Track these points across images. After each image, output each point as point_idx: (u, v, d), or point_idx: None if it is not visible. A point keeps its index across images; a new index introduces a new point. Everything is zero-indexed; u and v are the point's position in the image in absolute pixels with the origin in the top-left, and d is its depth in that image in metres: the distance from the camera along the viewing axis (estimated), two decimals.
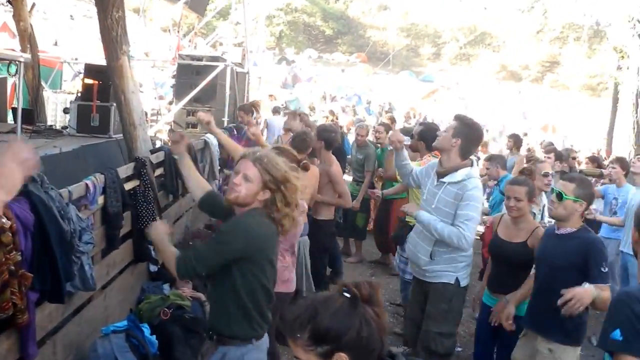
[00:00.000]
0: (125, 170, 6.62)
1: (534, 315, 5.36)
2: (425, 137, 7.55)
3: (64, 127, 11.06)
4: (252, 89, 20.16)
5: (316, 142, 8.16)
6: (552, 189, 5.20)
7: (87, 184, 5.53)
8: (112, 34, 8.31)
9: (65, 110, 11.32)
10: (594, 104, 56.90)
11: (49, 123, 12.85)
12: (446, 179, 5.69)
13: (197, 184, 4.71)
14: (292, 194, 4.03)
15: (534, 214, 7.41)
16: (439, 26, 74.80)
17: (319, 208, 8.12)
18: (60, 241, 4.51)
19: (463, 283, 5.85)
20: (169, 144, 4.77)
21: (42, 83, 13.96)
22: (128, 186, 6.68)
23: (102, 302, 6.16)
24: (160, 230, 4.17)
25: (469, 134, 5.71)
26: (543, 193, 7.66)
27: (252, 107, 10.92)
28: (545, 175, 7.58)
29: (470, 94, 53.88)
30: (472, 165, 5.73)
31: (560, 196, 4.98)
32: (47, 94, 14.87)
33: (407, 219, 7.48)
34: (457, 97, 51.14)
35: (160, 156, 8.10)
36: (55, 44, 32.27)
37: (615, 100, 28.67)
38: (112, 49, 8.36)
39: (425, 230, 5.74)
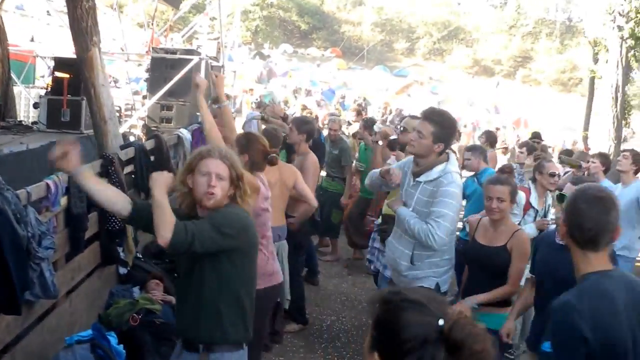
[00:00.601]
0: (90, 168, 6.15)
1: (539, 335, 4.82)
2: None
3: (34, 123, 10.54)
4: (227, 84, 19.68)
5: (296, 135, 7.75)
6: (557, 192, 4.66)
7: (48, 184, 5.08)
8: (82, 24, 7.90)
9: (35, 105, 10.81)
10: (565, 100, 57.07)
11: (21, 119, 12.30)
12: (422, 178, 5.29)
13: (113, 196, 3.84)
14: (248, 187, 3.93)
15: (537, 211, 7.08)
16: (413, 21, 74.71)
17: (294, 205, 7.64)
18: (15, 248, 4.09)
19: (443, 288, 5.44)
20: (56, 161, 3.63)
21: (14, 77, 13.47)
22: None
23: (68, 308, 5.71)
24: (162, 181, 3.70)
25: (448, 137, 5.31)
26: (548, 192, 7.31)
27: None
28: (552, 175, 7.17)
29: (443, 89, 53.82)
30: (448, 159, 5.31)
31: (561, 198, 4.47)
32: (19, 89, 14.31)
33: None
34: (430, 92, 51.02)
35: (130, 152, 7.64)
36: (32, 39, 31.69)
37: (591, 95, 28.46)
38: (82, 41, 7.93)
39: (400, 225, 5.39)
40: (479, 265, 5.44)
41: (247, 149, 5.62)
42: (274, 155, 5.94)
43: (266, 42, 64.70)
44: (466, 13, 74.64)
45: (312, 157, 7.87)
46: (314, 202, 7.16)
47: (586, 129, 27.40)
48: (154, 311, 6.20)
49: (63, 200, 5.37)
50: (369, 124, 10.65)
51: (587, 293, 2.95)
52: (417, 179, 5.32)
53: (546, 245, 4.82)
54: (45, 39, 30.66)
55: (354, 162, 10.94)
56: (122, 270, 7.08)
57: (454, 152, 7.13)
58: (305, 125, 7.95)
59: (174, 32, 25.39)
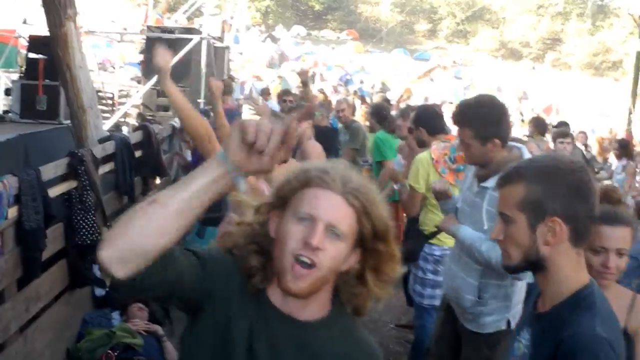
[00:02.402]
0: (53, 169, 5.19)
1: None
2: (424, 122, 6.28)
3: (6, 112, 9.61)
4: (234, 68, 18.80)
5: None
6: None
7: None
8: None
9: (7, 92, 9.84)
10: (597, 84, 56.14)
11: (2, 109, 11.40)
12: (489, 183, 4.18)
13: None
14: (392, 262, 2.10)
15: None
16: (434, 1, 73.65)
17: None
18: None
19: (513, 324, 4.28)
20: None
21: None
22: (59, 190, 5.28)
23: (22, 348, 4.76)
24: None
25: (495, 125, 4.22)
26: None
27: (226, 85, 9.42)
28: None
29: (468, 73, 52.86)
30: (521, 156, 4.22)
31: None
32: None
33: (422, 227, 6.05)
34: (454, 77, 50.05)
35: (108, 147, 6.68)
36: (25, 22, 30.98)
37: (637, 77, 27.29)
38: (55, 14, 7.07)
39: (465, 250, 4.28)
40: None
41: None
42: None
43: (277, 23, 63.82)
44: None
45: (313, 143, 6.72)
46: None
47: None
48: (133, 346, 5.29)
49: (11, 212, 4.41)
50: (376, 111, 9.49)
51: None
52: (483, 184, 4.28)
53: None
54: (38, 21, 29.97)
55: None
56: (99, 292, 6.18)
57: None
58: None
59: (174, 13, 24.64)
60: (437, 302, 5.52)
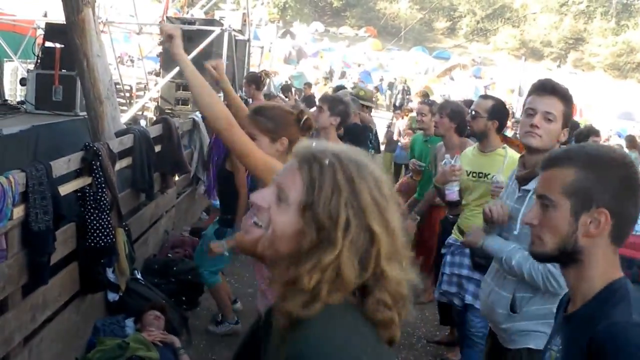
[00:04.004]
0: (65, 165, 4.74)
1: None
2: (500, 116, 5.68)
3: (21, 103, 9.21)
4: (253, 64, 18.39)
5: (327, 118, 5.81)
6: None
7: None
8: None
9: (22, 82, 9.44)
10: (620, 86, 55.45)
11: (7, 98, 11.02)
12: (531, 185, 3.61)
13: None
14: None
15: None
16: None
17: None
18: None
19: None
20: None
21: (8, 51, 12.80)
22: (71, 187, 4.83)
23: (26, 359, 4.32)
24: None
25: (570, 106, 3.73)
26: None
27: (261, 78, 8.76)
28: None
29: (488, 73, 52.33)
30: None
31: None
32: (15, 64, 13.17)
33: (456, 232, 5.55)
34: (473, 76, 49.50)
35: (126, 141, 6.23)
36: (45, 15, 30.70)
37: None
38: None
39: (497, 263, 3.76)
40: None
41: (278, 128, 3.68)
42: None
43: (295, 19, 63.55)
44: None
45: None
46: None
47: None
48: None
49: (17, 211, 3.96)
50: (432, 101, 8.64)
51: None
52: (525, 187, 3.69)
53: None
54: (59, 15, 29.74)
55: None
56: (112, 296, 5.74)
57: None
58: (340, 104, 5.98)
59: (196, 9, 24.30)
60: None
